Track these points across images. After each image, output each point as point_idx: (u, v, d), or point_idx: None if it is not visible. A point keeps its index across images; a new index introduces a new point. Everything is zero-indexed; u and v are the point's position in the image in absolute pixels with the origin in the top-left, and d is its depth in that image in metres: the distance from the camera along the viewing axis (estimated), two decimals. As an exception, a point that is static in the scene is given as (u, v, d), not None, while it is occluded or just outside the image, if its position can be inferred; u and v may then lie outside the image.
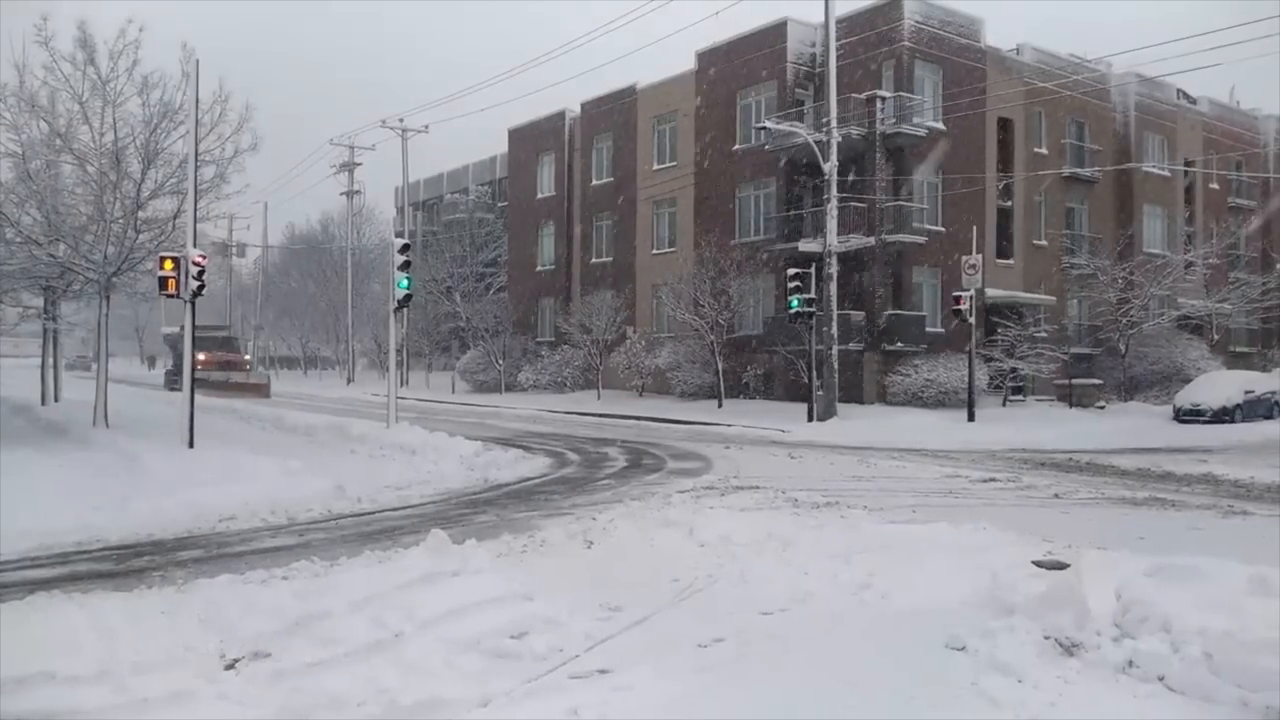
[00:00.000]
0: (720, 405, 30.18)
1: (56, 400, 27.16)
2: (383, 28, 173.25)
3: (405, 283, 19.51)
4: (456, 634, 5.72)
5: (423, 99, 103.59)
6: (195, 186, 17.38)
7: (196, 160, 17.44)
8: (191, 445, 15.57)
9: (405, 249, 19.78)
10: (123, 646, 5.40)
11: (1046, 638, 5.62)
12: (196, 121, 17.16)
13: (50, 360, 28.24)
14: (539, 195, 44.69)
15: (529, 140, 45.14)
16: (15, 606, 6.43)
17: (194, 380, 17.92)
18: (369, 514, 11.54)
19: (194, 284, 16.16)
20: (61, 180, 20.38)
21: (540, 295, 44.41)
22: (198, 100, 17.02)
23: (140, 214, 19.98)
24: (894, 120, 29.12)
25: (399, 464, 15.69)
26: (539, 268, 44.71)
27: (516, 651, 5.68)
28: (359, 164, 48.99)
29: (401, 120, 44.25)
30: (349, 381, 52.31)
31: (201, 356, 33.16)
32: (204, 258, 16.96)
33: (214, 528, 10.39)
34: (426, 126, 44.24)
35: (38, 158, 19.93)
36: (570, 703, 4.95)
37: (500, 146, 49.80)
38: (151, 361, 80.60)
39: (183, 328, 17.78)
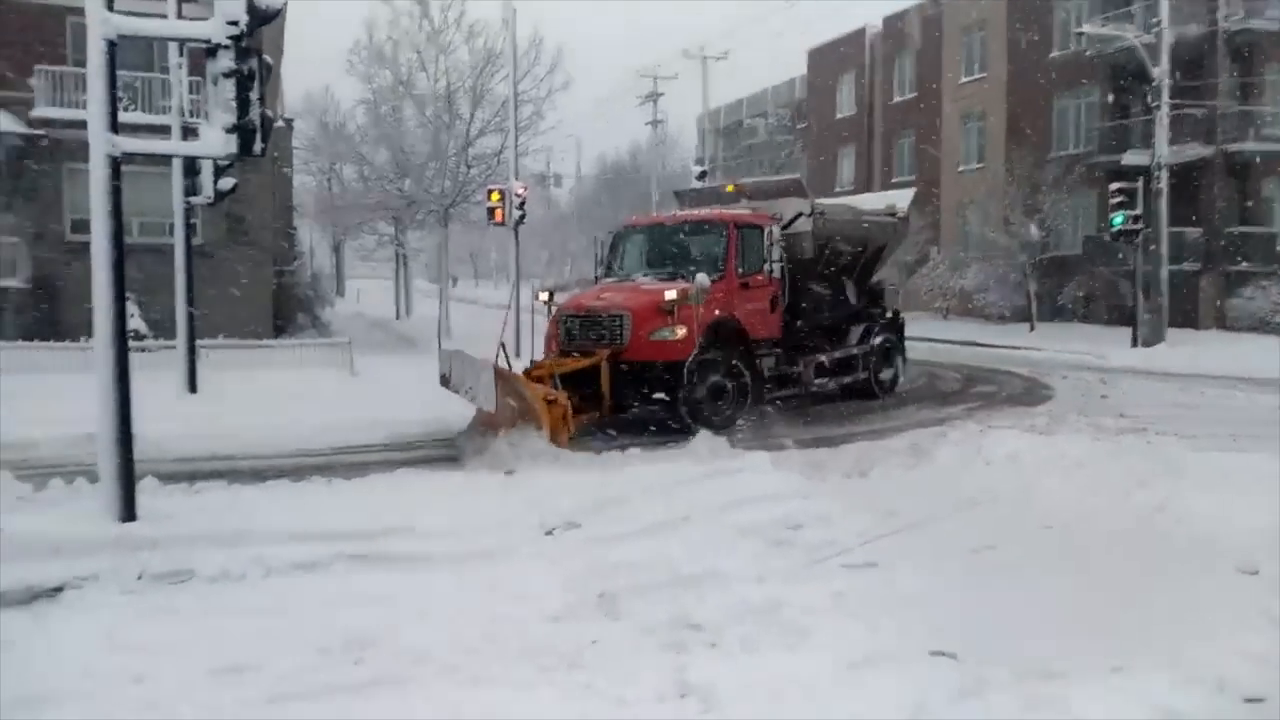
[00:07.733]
0: (1032, 329, 28.70)
1: (408, 315, 30.91)
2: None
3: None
4: (736, 521, 6.31)
5: (721, 25, 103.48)
6: (515, 124, 19.09)
7: (516, 100, 19.11)
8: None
9: (702, 176, 20.51)
10: (462, 512, 6.52)
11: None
12: (515, 65, 18.76)
13: (401, 280, 32.05)
14: (838, 115, 43.90)
15: (829, 60, 44.28)
16: (379, 478, 7.87)
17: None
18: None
19: (517, 213, 17.87)
20: (404, 123, 23.13)
21: (840, 218, 43.87)
22: (515, 45, 18.59)
23: (470, 151, 22.22)
24: (1241, 15, 25.69)
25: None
26: (838, 189, 44.10)
27: (791, 540, 6.15)
28: (662, 94, 50.17)
29: (702, 49, 44.80)
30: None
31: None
32: (525, 189, 18.65)
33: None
34: (726, 53, 44.49)
35: (385, 103, 22.70)
36: (836, 587, 5.36)
37: (799, 69, 49.19)
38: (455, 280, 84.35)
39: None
